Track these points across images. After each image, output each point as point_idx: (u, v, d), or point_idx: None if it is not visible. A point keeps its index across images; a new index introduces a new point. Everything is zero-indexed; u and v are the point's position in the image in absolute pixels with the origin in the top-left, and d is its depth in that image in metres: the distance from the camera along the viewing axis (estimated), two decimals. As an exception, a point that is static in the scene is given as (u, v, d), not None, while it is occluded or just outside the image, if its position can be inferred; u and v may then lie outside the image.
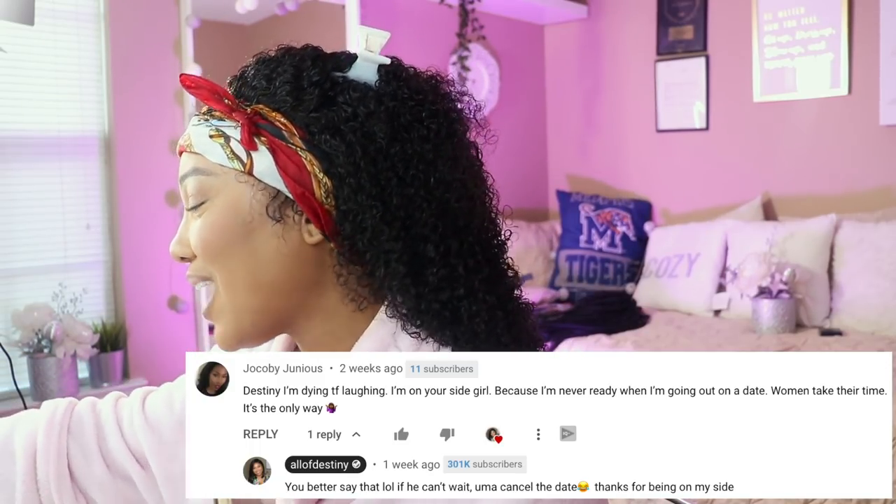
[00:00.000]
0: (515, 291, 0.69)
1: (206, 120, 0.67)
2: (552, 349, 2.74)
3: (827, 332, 2.72)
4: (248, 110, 0.65)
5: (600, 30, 3.86)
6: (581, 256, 3.53)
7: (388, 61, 0.67)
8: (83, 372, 2.49)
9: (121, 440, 0.78)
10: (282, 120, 0.65)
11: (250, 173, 0.65)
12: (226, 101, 0.66)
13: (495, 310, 0.65)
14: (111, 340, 2.50)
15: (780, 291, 2.75)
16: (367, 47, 0.66)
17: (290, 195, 0.64)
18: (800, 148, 3.26)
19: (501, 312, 0.66)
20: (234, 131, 0.65)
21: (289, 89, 0.65)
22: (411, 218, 0.63)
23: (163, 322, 2.67)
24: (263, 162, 0.64)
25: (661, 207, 3.69)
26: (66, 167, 2.49)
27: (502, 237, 0.70)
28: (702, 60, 3.50)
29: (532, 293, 3.29)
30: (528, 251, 3.60)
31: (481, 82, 3.72)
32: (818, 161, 3.21)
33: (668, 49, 3.61)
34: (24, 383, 2.29)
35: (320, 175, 0.64)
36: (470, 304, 0.64)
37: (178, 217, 2.69)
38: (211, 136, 0.66)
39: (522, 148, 3.97)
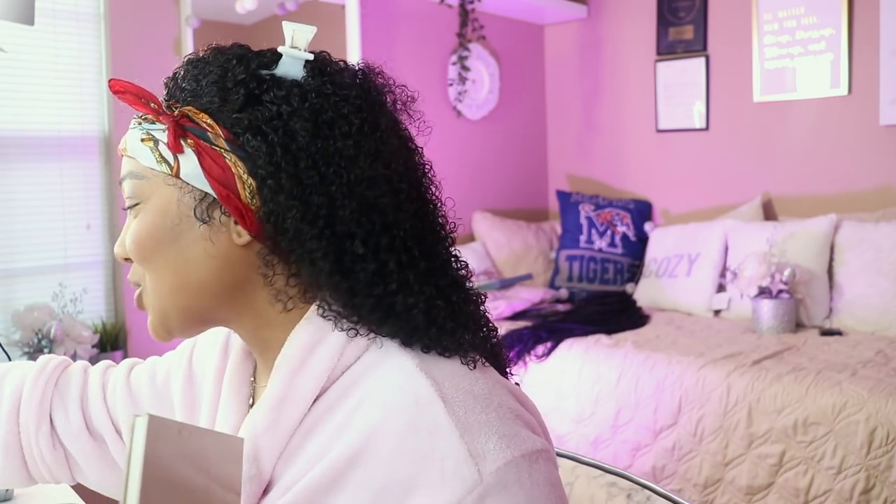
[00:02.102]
0: (464, 282, 0.68)
1: (140, 124, 0.67)
2: (552, 349, 2.74)
3: (827, 332, 2.71)
4: (176, 113, 0.65)
5: (600, 30, 3.86)
6: (581, 256, 3.53)
7: (311, 57, 0.65)
8: (83, 372, 2.49)
9: (102, 404, 0.81)
10: (208, 121, 0.64)
11: (177, 176, 0.65)
12: (151, 104, 0.67)
13: (434, 300, 0.63)
14: (111, 340, 2.50)
15: (780, 291, 2.75)
16: (292, 44, 0.65)
17: (216, 197, 0.64)
18: (800, 148, 3.25)
19: (443, 302, 0.64)
20: (163, 134, 0.65)
21: (215, 90, 0.64)
22: (335, 216, 0.62)
23: (163, 322, 2.67)
24: (189, 164, 0.64)
25: (661, 207, 3.69)
26: (66, 167, 2.49)
27: (446, 229, 0.68)
28: (702, 60, 3.50)
29: (532, 293, 3.29)
30: (528, 251, 3.60)
31: (481, 82, 3.72)
32: (818, 161, 3.21)
33: (668, 49, 3.61)
34: (24, 383, 2.29)
35: (245, 176, 0.63)
36: (405, 297, 0.62)
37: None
38: (142, 140, 0.66)
39: (522, 148, 3.97)
